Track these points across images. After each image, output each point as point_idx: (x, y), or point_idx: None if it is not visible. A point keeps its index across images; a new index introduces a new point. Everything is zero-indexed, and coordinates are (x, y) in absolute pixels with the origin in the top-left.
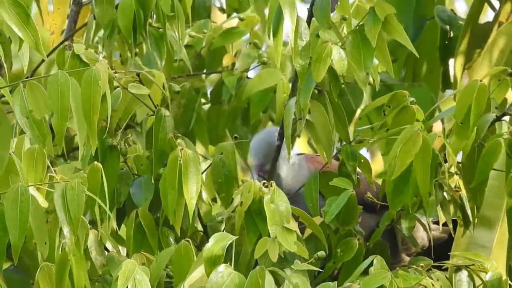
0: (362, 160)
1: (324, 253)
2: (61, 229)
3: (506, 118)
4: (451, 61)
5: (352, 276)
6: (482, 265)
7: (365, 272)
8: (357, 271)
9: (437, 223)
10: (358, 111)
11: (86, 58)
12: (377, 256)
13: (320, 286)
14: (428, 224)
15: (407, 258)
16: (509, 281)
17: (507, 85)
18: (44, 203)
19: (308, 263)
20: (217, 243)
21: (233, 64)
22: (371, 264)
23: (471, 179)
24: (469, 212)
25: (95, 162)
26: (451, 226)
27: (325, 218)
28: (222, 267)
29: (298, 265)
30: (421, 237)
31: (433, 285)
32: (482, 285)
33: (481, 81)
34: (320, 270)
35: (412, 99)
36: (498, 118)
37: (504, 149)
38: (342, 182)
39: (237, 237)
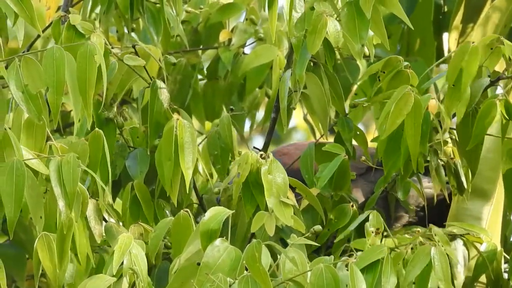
0: (358, 132)
1: (320, 227)
2: None
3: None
4: (445, 36)
5: (345, 231)
6: (477, 235)
7: (361, 234)
8: (349, 228)
9: None
10: (355, 88)
11: (82, 29)
12: (373, 211)
13: (315, 260)
14: (422, 190)
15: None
16: (504, 253)
17: (500, 53)
18: (45, 170)
19: (304, 237)
20: (213, 217)
21: (230, 40)
22: (366, 219)
23: (465, 144)
24: (463, 178)
25: (96, 129)
26: (445, 192)
27: (317, 184)
28: (218, 241)
29: (295, 239)
30: (416, 195)
31: (430, 239)
32: (477, 256)
33: (473, 43)
34: (317, 244)
35: (406, 63)
36: (492, 83)
37: (499, 112)
38: (335, 147)
39: (234, 211)
